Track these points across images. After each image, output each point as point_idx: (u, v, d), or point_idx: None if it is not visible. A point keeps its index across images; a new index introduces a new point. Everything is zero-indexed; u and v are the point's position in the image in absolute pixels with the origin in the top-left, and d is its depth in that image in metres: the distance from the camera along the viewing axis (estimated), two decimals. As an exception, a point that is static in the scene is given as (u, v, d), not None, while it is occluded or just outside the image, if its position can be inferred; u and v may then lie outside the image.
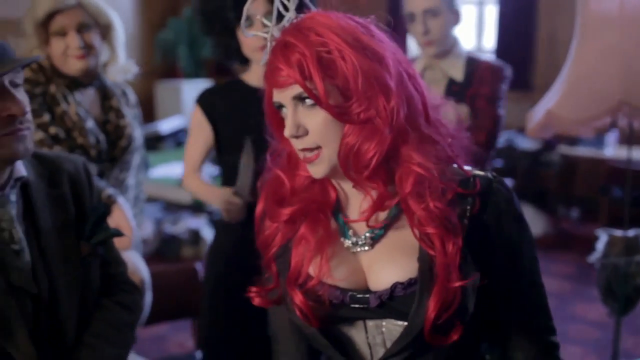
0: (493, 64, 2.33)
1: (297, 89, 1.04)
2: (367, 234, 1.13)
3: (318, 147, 1.07)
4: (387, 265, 1.11)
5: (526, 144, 5.58)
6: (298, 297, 1.13)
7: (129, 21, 6.95)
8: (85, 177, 1.48)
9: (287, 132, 1.07)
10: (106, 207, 1.49)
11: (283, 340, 1.29)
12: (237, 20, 1.93)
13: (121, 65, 2.19)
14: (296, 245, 1.16)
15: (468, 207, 1.08)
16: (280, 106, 1.09)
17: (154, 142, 5.80)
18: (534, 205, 5.41)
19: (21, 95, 1.26)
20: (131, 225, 1.99)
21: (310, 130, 1.06)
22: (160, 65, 7.34)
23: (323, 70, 1.02)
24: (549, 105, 2.17)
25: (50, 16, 2.00)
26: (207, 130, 2.10)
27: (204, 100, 2.11)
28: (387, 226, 1.12)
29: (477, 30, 6.61)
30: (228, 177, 2.13)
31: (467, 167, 1.13)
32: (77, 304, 1.38)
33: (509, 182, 5.27)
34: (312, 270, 1.13)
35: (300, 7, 1.11)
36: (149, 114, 6.66)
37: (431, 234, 1.05)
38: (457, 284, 1.04)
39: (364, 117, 1.04)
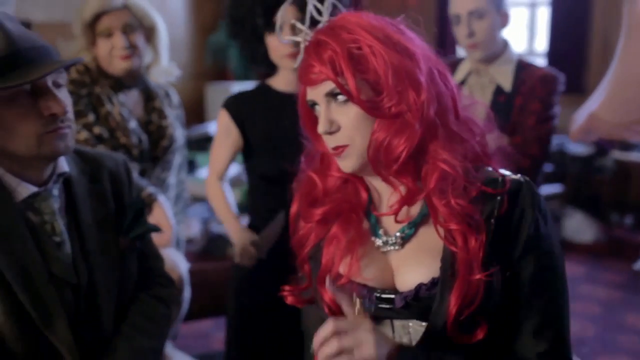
0: (546, 72, 2.24)
1: (329, 86, 1.08)
2: (398, 234, 1.14)
3: (349, 142, 1.09)
4: (413, 266, 1.12)
5: (578, 149, 5.44)
6: (327, 296, 1.16)
7: (181, 24, 7.10)
8: (125, 174, 1.54)
9: (320, 128, 1.10)
10: (144, 202, 1.55)
11: (315, 317, 1.29)
12: (265, 27, 1.94)
13: (164, 67, 2.25)
14: (327, 245, 1.18)
15: (495, 208, 1.08)
16: (314, 104, 1.13)
17: (204, 143, 5.89)
18: (585, 211, 5.28)
19: (63, 95, 1.32)
20: (171, 223, 2.05)
21: (342, 126, 1.09)
22: (211, 67, 7.46)
23: (354, 66, 1.05)
24: (592, 109, 2.12)
25: (97, 17, 2.08)
26: (234, 135, 2.07)
27: (231, 105, 2.09)
28: (417, 225, 1.13)
29: (529, 32, 6.50)
30: (253, 186, 2.13)
31: (499, 168, 1.13)
32: (115, 295, 1.44)
33: (558, 188, 5.13)
34: (342, 268, 1.15)
35: (333, 11, 1.15)
36: (199, 115, 6.79)
37: (453, 230, 1.06)
38: (478, 275, 1.04)
39: (395, 111, 1.06)
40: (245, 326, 2.13)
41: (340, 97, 1.08)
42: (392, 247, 1.15)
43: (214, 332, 3.65)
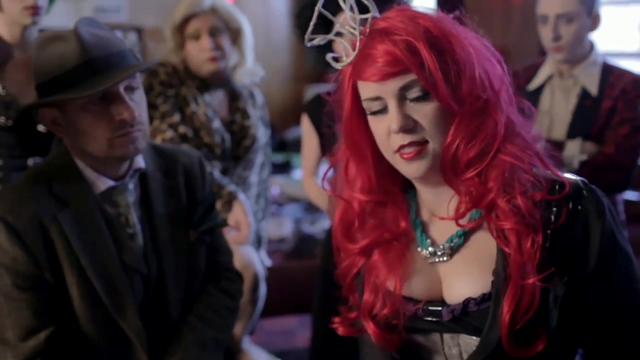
0: (636, 75, 2.12)
1: (405, 79, 0.99)
2: (446, 244, 1.08)
3: (425, 142, 1.01)
4: (462, 278, 1.06)
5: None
6: (371, 328, 1.11)
7: (283, 26, 7.23)
8: (199, 170, 1.60)
9: (395, 124, 0.99)
10: (215, 198, 1.60)
11: (369, 343, 1.23)
12: (328, 33, 1.96)
13: (249, 68, 2.32)
14: (368, 276, 1.12)
15: (552, 216, 1.01)
16: (377, 98, 1.01)
17: (301, 145, 5.99)
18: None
19: (138, 97, 1.38)
20: (249, 221, 2.11)
21: (419, 123, 1.00)
22: (311, 70, 7.57)
23: (437, 56, 0.98)
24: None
25: (186, 20, 2.18)
26: (315, 139, 2.15)
27: (311, 108, 2.16)
28: (467, 233, 1.07)
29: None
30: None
31: (557, 171, 1.06)
32: (183, 286, 1.50)
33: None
34: (389, 285, 1.09)
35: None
36: (297, 117, 6.88)
37: (507, 229, 0.99)
38: (532, 279, 0.97)
39: (478, 105, 1.00)
40: (329, 325, 2.15)
41: (414, 91, 0.99)
42: (440, 259, 1.08)
43: (298, 329, 3.71)
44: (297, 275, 3.27)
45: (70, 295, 1.36)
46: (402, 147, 1.01)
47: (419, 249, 1.11)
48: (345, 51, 1.06)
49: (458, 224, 1.06)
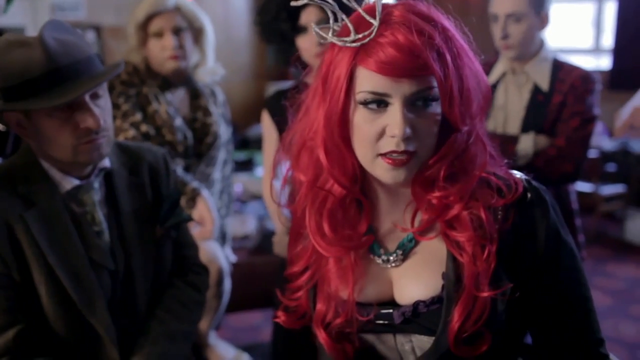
0: (585, 71, 2.20)
1: (421, 84, 0.93)
2: (399, 251, 1.08)
3: (414, 152, 0.96)
4: (412, 281, 1.06)
5: (643, 148, 5.26)
6: (323, 337, 1.12)
7: (243, 24, 7.24)
8: (164, 167, 1.63)
9: (398, 129, 0.93)
10: (180, 194, 1.63)
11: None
12: (292, 31, 2.00)
13: (210, 67, 2.34)
14: (321, 285, 1.12)
15: (499, 216, 1.01)
16: (382, 95, 0.94)
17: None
18: (649, 213, 5.10)
19: (102, 103, 1.39)
20: (213, 216, 2.14)
21: (418, 132, 0.95)
22: (272, 68, 7.58)
23: (456, 70, 0.95)
24: (636, 103, 2.08)
25: (150, 18, 2.19)
26: (275, 135, 2.13)
27: (270, 105, 2.15)
28: (417, 239, 1.07)
29: (595, 29, 6.31)
30: None
31: (506, 171, 1.06)
32: (150, 281, 1.53)
33: (621, 188, 4.99)
34: (342, 294, 1.09)
35: None
36: (259, 114, 6.89)
37: (462, 241, 0.99)
38: (487, 294, 0.96)
39: (473, 121, 0.99)
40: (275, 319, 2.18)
41: (421, 101, 0.94)
42: (392, 264, 1.09)
43: (263, 324, 3.74)
44: (261, 271, 3.28)
45: (38, 294, 1.37)
46: (391, 152, 0.96)
47: (372, 255, 1.10)
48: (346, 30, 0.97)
49: (417, 236, 1.06)
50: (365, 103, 0.96)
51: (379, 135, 0.96)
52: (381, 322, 1.09)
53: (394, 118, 0.94)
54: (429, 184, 1.00)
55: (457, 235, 0.99)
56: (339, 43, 0.97)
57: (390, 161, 0.96)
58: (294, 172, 1.11)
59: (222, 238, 2.48)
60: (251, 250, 4.86)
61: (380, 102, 0.95)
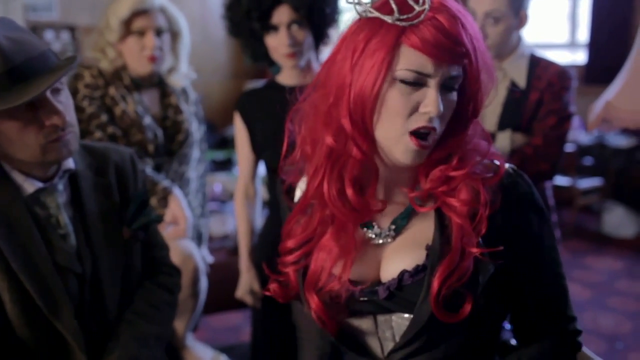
0: (562, 68, 2.18)
1: (458, 70, 1.02)
2: (393, 226, 1.13)
3: (436, 131, 1.04)
4: (399, 255, 1.11)
5: (619, 141, 5.30)
6: (314, 301, 1.14)
7: (221, 23, 7.19)
8: (131, 167, 1.59)
9: (433, 108, 1.00)
10: (148, 194, 1.60)
11: (306, 328, 1.31)
12: (262, 29, 1.97)
13: (183, 72, 2.32)
14: (318, 251, 1.15)
15: (492, 200, 1.07)
16: (424, 75, 1.00)
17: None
18: (625, 205, 5.14)
19: (64, 97, 1.36)
20: (186, 215, 2.11)
21: (443, 114, 1.03)
22: (250, 67, 7.54)
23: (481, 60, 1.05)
24: (609, 97, 2.08)
25: (134, 15, 2.14)
26: (246, 134, 2.09)
27: (241, 104, 2.10)
28: (410, 215, 1.13)
29: (570, 24, 6.35)
30: (270, 178, 2.13)
31: (494, 158, 1.14)
32: (119, 284, 1.50)
33: (598, 181, 5.05)
34: (335, 270, 1.12)
35: None
36: (238, 113, 6.86)
37: (458, 206, 1.05)
38: (475, 250, 1.03)
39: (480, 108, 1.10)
40: (269, 317, 2.18)
41: (451, 85, 1.03)
42: (384, 240, 1.13)
43: (243, 325, 3.72)
44: (237, 270, 3.26)
45: (2, 300, 1.33)
46: (422, 128, 1.02)
47: (364, 230, 1.15)
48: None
49: (415, 207, 1.10)
50: (406, 81, 1.01)
51: (410, 111, 1.02)
52: (365, 298, 1.12)
53: (430, 97, 1.01)
54: (433, 164, 1.08)
55: (455, 201, 1.06)
56: (388, 20, 1.00)
57: (416, 142, 1.02)
58: (302, 144, 1.16)
59: (198, 238, 2.45)
60: (231, 250, 4.81)
61: (419, 81, 1.01)
